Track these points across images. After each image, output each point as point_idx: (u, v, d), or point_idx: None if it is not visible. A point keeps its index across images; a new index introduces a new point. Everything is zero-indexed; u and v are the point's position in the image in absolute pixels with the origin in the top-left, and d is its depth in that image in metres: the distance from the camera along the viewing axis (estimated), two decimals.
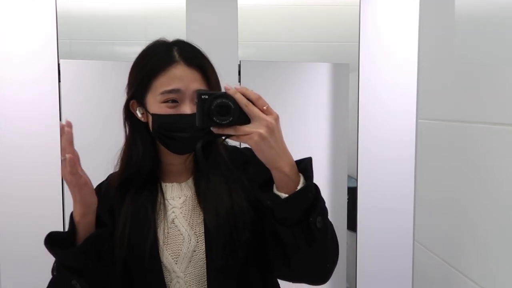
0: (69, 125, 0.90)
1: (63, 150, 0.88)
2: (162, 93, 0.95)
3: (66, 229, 0.95)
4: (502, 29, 0.79)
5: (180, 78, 0.95)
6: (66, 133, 0.89)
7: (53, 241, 0.91)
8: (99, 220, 0.96)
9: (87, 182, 0.90)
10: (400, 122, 2.13)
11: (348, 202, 2.25)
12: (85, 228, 0.93)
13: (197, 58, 0.98)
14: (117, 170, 1.05)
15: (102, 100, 2.03)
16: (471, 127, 0.89)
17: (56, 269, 0.94)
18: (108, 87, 2.03)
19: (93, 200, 0.93)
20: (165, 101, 0.95)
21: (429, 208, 1.08)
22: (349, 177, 2.29)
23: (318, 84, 2.18)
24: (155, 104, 0.96)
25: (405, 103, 2.12)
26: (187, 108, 0.95)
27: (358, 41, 2.15)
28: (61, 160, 0.88)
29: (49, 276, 0.97)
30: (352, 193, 2.23)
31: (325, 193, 0.89)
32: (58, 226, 1.95)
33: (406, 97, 2.10)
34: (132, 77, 1.01)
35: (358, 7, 2.15)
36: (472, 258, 0.89)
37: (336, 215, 2.19)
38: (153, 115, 0.97)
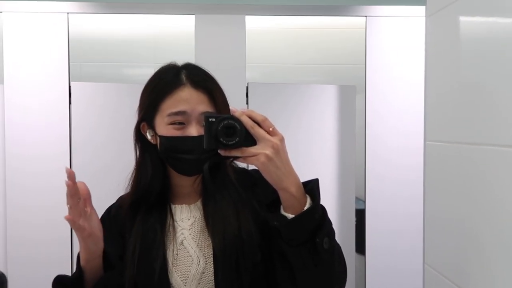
0: (71, 176, 0.87)
1: (67, 200, 0.87)
2: (169, 115, 0.96)
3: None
4: (507, 52, 0.80)
5: (186, 100, 0.96)
6: (67, 185, 0.86)
7: (61, 285, 0.93)
8: (107, 260, 0.96)
9: (91, 233, 0.90)
10: (407, 143, 2.13)
11: (356, 224, 2.23)
12: (92, 271, 0.94)
13: (204, 80, 1.00)
14: (127, 191, 1.06)
15: (112, 121, 2.06)
16: (479, 149, 0.89)
17: None
18: (118, 109, 2.06)
19: (98, 247, 0.93)
20: (172, 123, 0.96)
21: (438, 230, 1.07)
22: (357, 199, 2.28)
23: (325, 106, 2.19)
24: (163, 126, 0.98)
25: (411, 125, 2.12)
26: (194, 130, 0.96)
27: (364, 63, 2.17)
28: (68, 207, 0.87)
29: None
30: (360, 215, 2.22)
31: (333, 215, 0.89)
32: (67, 260, 1.98)
33: (413, 119, 2.11)
34: (142, 99, 1.03)
35: (364, 29, 2.17)
36: (482, 280, 0.88)
37: (344, 237, 2.17)
38: (161, 137, 0.98)
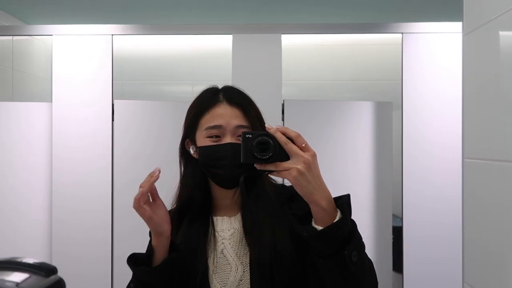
0: (156, 174, 0.99)
1: (142, 185, 0.99)
2: (206, 129, 1.07)
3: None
4: None
5: (221, 115, 1.07)
6: (153, 176, 0.99)
7: (135, 260, 1.03)
8: (173, 245, 1.06)
9: (151, 217, 1.00)
10: (445, 160, 2.09)
11: (393, 242, 2.20)
12: (161, 251, 1.03)
13: (238, 98, 1.10)
14: (173, 206, 1.14)
15: (152, 137, 2.13)
16: None
17: (133, 286, 1.04)
18: (158, 125, 2.14)
19: (164, 229, 1.02)
20: (209, 136, 1.06)
21: (478, 249, 1.05)
22: (394, 216, 2.25)
23: (361, 122, 2.19)
24: (201, 139, 1.08)
25: (449, 141, 2.08)
26: (228, 140, 1.05)
27: (401, 79, 2.16)
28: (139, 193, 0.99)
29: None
30: (397, 232, 2.18)
31: (369, 232, 0.91)
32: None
33: (450, 135, 2.07)
34: (187, 118, 1.14)
35: (401, 45, 2.17)
36: None
37: (381, 255, 2.14)
38: (199, 147, 1.08)
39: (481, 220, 1.04)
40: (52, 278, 0.46)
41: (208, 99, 1.10)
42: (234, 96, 1.09)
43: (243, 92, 1.12)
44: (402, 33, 2.16)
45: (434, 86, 2.14)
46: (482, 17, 1.03)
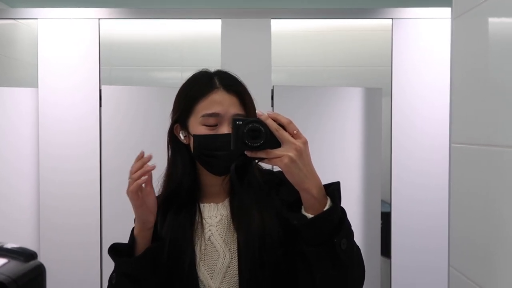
0: (147, 158, 0.97)
1: (134, 171, 0.96)
2: (203, 116, 1.03)
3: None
4: None
5: (219, 102, 1.03)
6: (140, 159, 0.96)
7: (116, 250, 1.01)
8: (156, 235, 1.05)
9: (143, 203, 0.98)
10: (434, 145, 2.11)
11: (381, 227, 2.22)
12: (143, 241, 1.02)
13: (235, 85, 1.07)
14: (159, 191, 1.12)
15: (140, 122, 2.11)
16: (505, 151, 0.88)
17: (115, 278, 1.02)
18: (146, 111, 2.12)
19: (150, 219, 1.01)
20: (205, 124, 1.03)
21: (464, 232, 1.06)
22: (383, 201, 2.26)
23: (351, 108, 2.19)
24: (196, 126, 1.04)
25: (438, 127, 2.10)
26: (225, 130, 1.02)
27: (390, 65, 2.16)
28: (129, 180, 0.97)
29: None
30: (386, 218, 2.20)
31: (358, 218, 0.91)
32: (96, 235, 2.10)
33: (439, 121, 2.09)
34: (177, 102, 1.10)
35: (391, 31, 2.16)
36: (506, 282, 0.87)
37: (370, 240, 2.16)
38: (194, 135, 1.04)
39: (467, 205, 1.05)
40: (32, 263, 0.45)
41: (203, 84, 1.06)
42: (231, 83, 1.06)
43: (238, 78, 1.09)
44: (392, 18, 2.16)
45: (423, 73, 2.14)
46: (470, 1, 1.03)
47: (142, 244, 1.01)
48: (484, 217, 0.97)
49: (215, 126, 1.03)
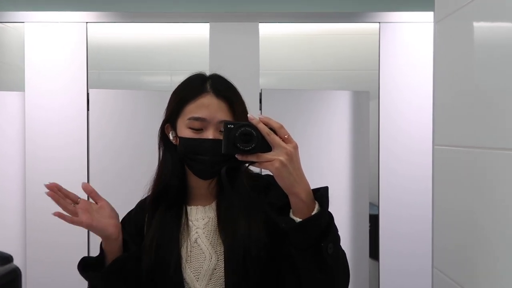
0: (51, 188, 1.05)
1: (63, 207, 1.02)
2: (189, 119, 1.03)
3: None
4: None
5: (207, 106, 1.03)
6: (49, 195, 1.04)
7: (85, 264, 1.03)
8: (126, 245, 1.06)
9: (91, 224, 1.00)
10: (421, 148, 2.13)
11: (370, 229, 2.23)
12: (112, 253, 1.03)
13: (225, 90, 1.07)
14: (149, 191, 1.13)
15: (128, 126, 2.10)
16: (487, 153, 0.89)
17: None
18: (134, 115, 2.11)
19: (110, 231, 1.03)
20: (190, 127, 1.03)
21: (447, 234, 1.07)
22: (371, 204, 2.28)
23: (338, 111, 2.20)
24: (183, 128, 1.05)
25: (425, 130, 2.11)
26: (210, 135, 1.02)
27: (378, 69, 2.18)
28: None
29: None
30: (374, 220, 2.21)
31: (346, 221, 0.91)
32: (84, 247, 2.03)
33: (426, 124, 2.10)
34: (169, 102, 1.11)
35: (378, 35, 2.18)
36: (489, 284, 0.88)
37: (358, 242, 2.17)
38: (180, 138, 1.05)
39: (450, 207, 1.06)
40: (7, 266, 0.45)
41: (194, 87, 1.06)
42: (221, 88, 1.06)
43: (231, 84, 1.09)
44: (379, 22, 2.18)
45: (410, 76, 2.16)
46: (453, 4, 1.04)
47: (111, 256, 1.03)
48: (466, 219, 0.98)
49: (200, 130, 1.03)
